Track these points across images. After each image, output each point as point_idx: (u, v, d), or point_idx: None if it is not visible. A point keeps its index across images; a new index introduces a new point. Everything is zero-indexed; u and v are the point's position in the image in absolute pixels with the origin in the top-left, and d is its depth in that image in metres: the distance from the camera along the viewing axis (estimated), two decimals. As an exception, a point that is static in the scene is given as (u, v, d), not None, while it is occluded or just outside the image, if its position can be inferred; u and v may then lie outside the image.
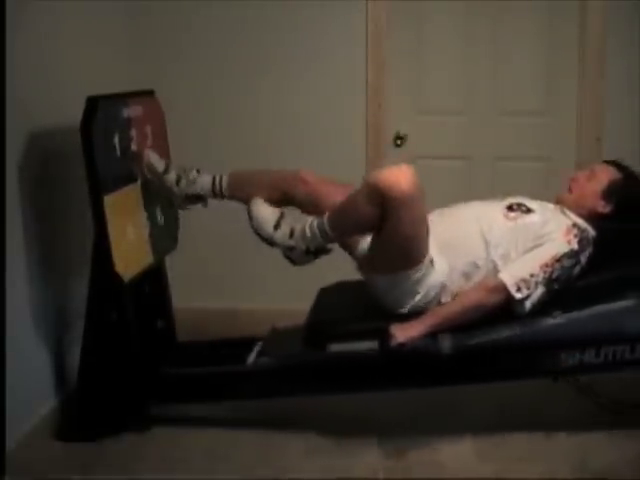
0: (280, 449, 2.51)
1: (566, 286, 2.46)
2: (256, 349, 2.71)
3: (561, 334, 2.45)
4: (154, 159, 2.64)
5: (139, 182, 2.64)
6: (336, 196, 2.52)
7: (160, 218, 2.77)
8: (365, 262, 2.55)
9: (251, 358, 2.65)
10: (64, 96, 2.70)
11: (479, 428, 2.58)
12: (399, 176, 2.27)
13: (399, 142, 3.65)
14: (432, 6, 3.54)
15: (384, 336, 2.41)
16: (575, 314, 2.46)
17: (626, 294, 2.48)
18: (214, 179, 2.63)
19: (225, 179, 2.63)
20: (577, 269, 2.47)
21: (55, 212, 2.71)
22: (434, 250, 2.44)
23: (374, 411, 2.71)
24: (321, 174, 2.69)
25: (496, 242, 2.45)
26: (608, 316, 2.46)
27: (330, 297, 2.83)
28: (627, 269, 2.54)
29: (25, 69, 2.51)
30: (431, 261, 2.43)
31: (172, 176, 2.62)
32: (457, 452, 2.48)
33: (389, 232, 2.34)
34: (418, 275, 2.41)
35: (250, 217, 2.53)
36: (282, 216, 2.51)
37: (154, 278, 2.83)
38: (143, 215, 2.66)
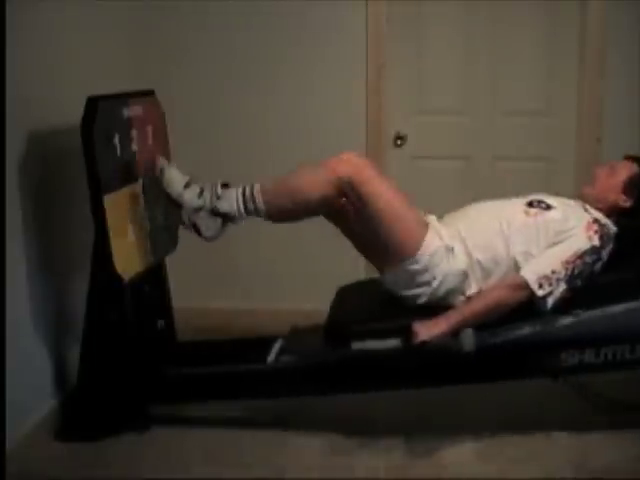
0: (280, 449, 2.51)
1: (588, 282, 2.45)
2: (276, 347, 2.67)
3: (581, 332, 2.44)
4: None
5: (140, 182, 2.63)
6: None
7: (160, 218, 2.77)
8: (374, 263, 2.59)
9: (271, 356, 2.62)
10: (65, 95, 2.69)
11: (479, 428, 2.58)
12: (348, 161, 2.39)
13: (399, 142, 3.65)
14: (432, 6, 3.54)
15: (407, 334, 2.39)
16: (595, 312, 2.45)
17: None
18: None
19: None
20: (599, 265, 2.47)
21: (55, 212, 2.71)
22: (456, 243, 2.46)
23: (374, 411, 2.71)
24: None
25: (515, 239, 2.45)
26: (625, 315, 2.45)
27: (349, 295, 2.81)
28: None
29: (26, 68, 2.51)
30: (451, 249, 2.44)
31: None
32: (457, 452, 2.48)
33: (369, 220, 2.41)
34: (424, 261, 2.41)
35: (161, 174, 2.50)
36: (192, 179, 2.50)
37: (154, 278, 2.83)
38: (143, 215, 2.66)
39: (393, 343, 2.45)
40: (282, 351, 2.65)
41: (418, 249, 2.41)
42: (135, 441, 2.55)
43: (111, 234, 2.41)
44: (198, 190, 2.46)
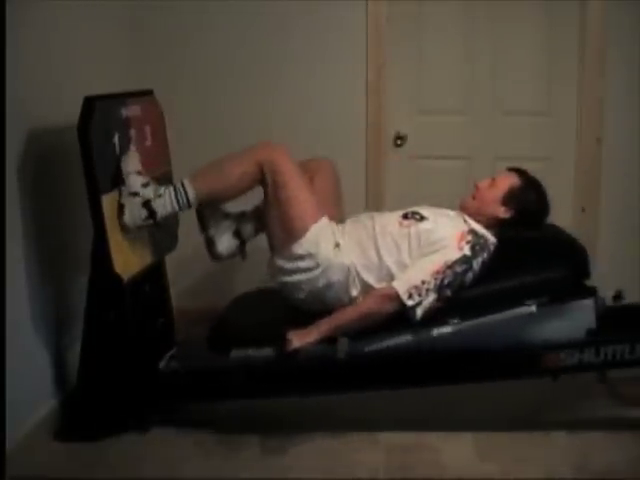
0: (280, 449, 2.51)
1: (460, 293, 2.50)
2: (169, 354, 2.73)
3: (457, 342, 2.48)
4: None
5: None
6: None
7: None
8: (270, 246, 2.65)
9: (163, 362, 2.68)
10: (64, 95, 2.69)
11: (479, 428, 2.58)
12: (267, 146, 2.57)
13: (399, 142, 3.65)
14: (432, 6, 3.54)
15: (281, 342, 2.46)
16: (472, 322, 2.49)
17: (524, 302, 2.49)
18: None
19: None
20: (470, 275, 2.52)
21: (55, 211, 2.71)
22: (343, 240, 2.57)
23: (374, 411, 2.71)
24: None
25: (387, 247, 2.55)
26: (506, 324, 2.48)
27: (243, 303, 2.89)
28: (526, 276, 2.55)
29: (26, 68, 2.51)
30: (338, 244, 2.55)
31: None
32: (457, 452, 2.48)
33: (272, 202, 2.54)
34: (307, 247, 2.51)
35: (126, 154, 2.54)
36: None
37: (154, 278, 2.83)
38: (143, 215, 2.65)
39: (268, 352, 2.52)
40: (172, 357, 2.71)
41: (305, 234, 2.51)
42: (135, 441, 2.55)
43: (110, 234, 2.41)
44: (145, 181, 2.51)
